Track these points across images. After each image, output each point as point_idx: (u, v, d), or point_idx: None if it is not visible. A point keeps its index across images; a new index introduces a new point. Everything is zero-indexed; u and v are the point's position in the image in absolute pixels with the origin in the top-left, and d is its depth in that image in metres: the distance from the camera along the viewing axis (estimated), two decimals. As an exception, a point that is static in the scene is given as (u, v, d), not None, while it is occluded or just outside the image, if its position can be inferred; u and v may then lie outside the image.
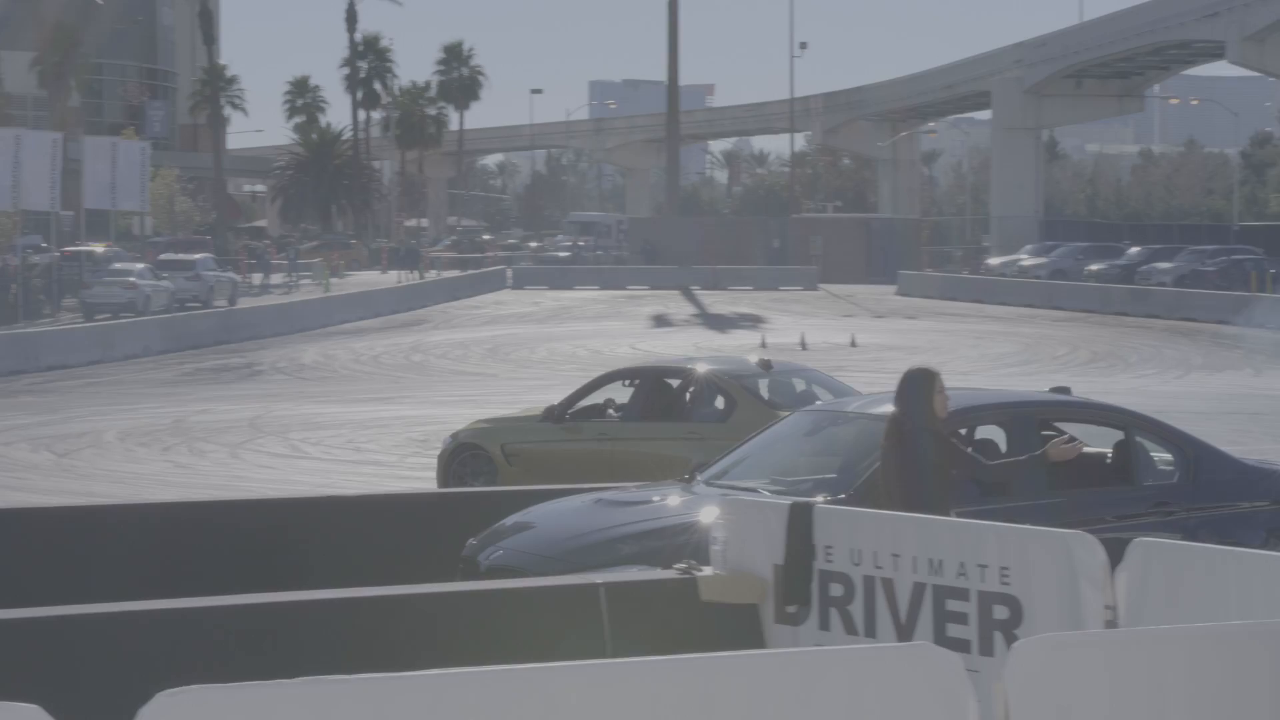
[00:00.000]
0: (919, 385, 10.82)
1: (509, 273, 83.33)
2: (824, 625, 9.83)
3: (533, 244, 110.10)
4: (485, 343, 48.44)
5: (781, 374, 19.78)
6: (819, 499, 11.45)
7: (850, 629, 9.70)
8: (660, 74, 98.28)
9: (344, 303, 61.18)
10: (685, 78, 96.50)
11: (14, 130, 59.72)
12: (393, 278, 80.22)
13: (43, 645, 7.69)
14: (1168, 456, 12.82)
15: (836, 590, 9.80)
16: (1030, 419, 12.52)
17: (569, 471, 18.11)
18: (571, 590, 9.44)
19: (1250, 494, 12.68)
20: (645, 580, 9.67)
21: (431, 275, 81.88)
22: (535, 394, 34.61)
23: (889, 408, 11.67)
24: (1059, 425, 12.93)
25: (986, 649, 8.98)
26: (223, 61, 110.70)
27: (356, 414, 30.54)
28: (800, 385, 19.65)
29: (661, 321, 58.25)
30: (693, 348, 47.08)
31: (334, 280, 75.76)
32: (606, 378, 20.92)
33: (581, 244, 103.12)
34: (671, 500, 12.11)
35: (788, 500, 11.75)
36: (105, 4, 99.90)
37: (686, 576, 9.92)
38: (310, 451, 25.52)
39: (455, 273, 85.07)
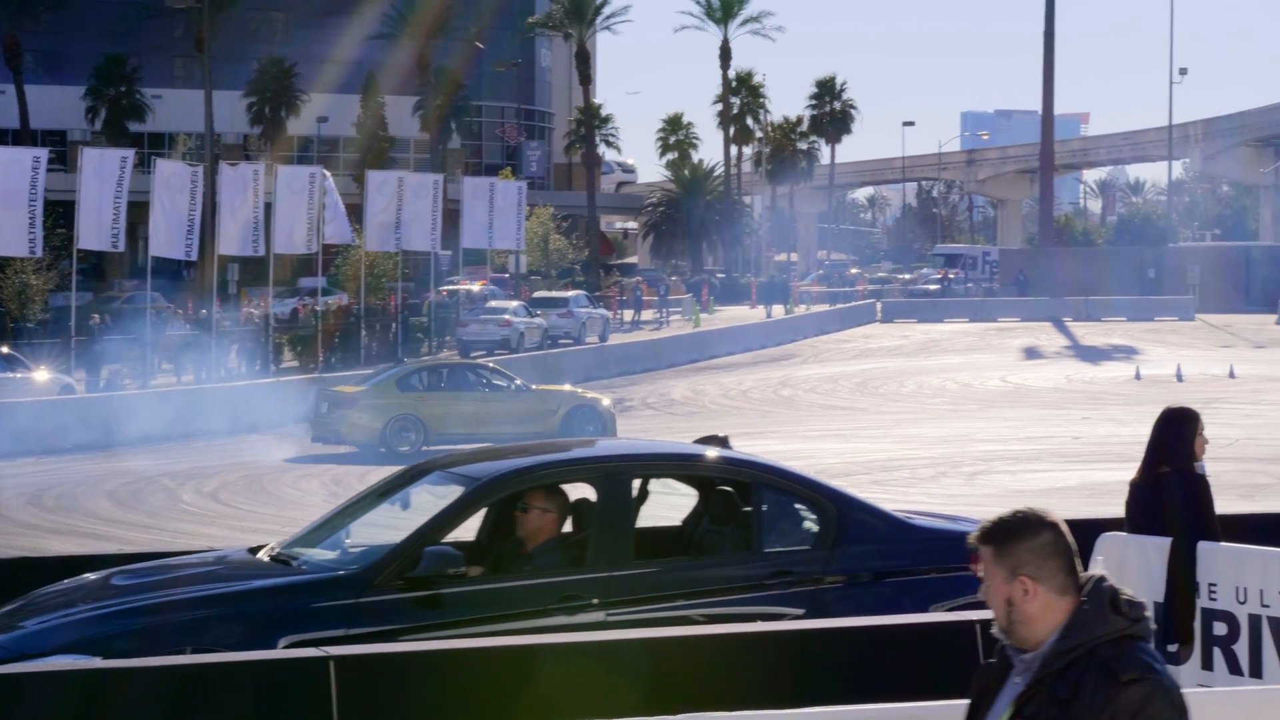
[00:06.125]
0: (1183, 425, 10.08)
1: (878, 306, 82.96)
2: (1206, 665, 9.49)
3: (906, 276, 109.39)
4: (854, 377, 48.23)
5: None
6: (327, 575, 10.15)
7: (1234, 669, 9.34)
8: (1033, 103, 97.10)
9: (713, 338, 61.59)
10: (1059, 106, 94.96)
11: (397, 173, 61.60)
12: (761, 312, 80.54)
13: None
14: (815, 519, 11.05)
15: (1220, 629, 9.46)
16: (621, 477, 10.72)
17: None
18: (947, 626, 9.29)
19: (908, 558, 10.83)
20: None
21: (800, 309, 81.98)
22: (904, 428, 34.36)
23: (497, 465, 10.87)
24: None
25: (1382, 693, 8.54)
26: (597, 101, 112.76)
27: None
28: None
29: (1032, 354, 57.28)
30: (1065, 380, 46.20)
31: (704, 315, 76.37)
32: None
33: (952, 277, 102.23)
34: (190, 575, 10.54)
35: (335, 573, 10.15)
36: (486, 48, 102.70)
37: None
38: (679, 487, 25.59)
39: (824, 307, 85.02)
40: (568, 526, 10.85)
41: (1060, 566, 4.83)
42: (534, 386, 33.04)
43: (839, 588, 10.73)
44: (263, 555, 10.83)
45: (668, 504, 11.72)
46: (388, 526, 10.86)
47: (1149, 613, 4.91)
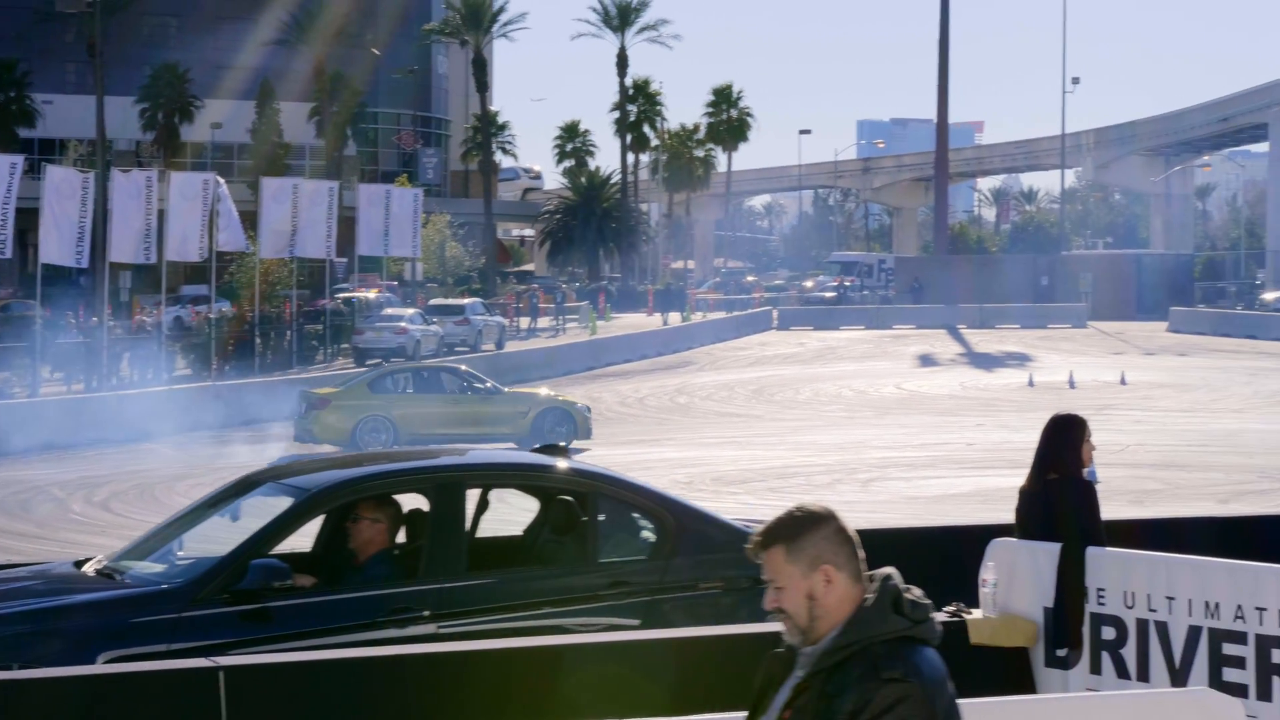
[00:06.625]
0: (1070, 432, 10.14)
1: (775, 314, 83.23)
2: (1095, 669, 9.58)
3: (809, 284, 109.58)
4: (750, 384, 48.38)
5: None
6: (150, 589, 9.96)
7: (1122, 673, 9.43)
8: (929, 111, 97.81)
9: (609, 345, 61.61)
10: (954, 115, 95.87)
11: (292, 180, 61.23)
12: (658, 320, 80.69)
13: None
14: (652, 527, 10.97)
15: (1109, 633, 9.54)
16: (454, 487, 10.56)
17: None
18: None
19: (748, 568, 10.57)
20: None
21: (697, 317, 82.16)
22: (799, 435, 34.50)
23: (326, 476, 10.78)
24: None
25: (1264, 694, 8.68)
26: (494, 108, 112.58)
27: (622, 457, 30.69)
28: None
29: (927, 361, 57.68)
30: (959, 387, 46.56)
31: (600, 323, 76.38)
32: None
33: (848, 284, 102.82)
34: (8, 590, 10.13)
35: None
36: (383, 55, 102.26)
37: (956, 619, 9.72)
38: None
39: (721, 314, 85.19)
40: (402, 537, 10.72)
41: (852, 552, 4.84)
42: (507, 389, 34.13)
43: (675, 598, 10.65)
44: (88, 568, 10.59)
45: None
46: (219, 538, 10.66)
47: (937, 616, 4.90)
